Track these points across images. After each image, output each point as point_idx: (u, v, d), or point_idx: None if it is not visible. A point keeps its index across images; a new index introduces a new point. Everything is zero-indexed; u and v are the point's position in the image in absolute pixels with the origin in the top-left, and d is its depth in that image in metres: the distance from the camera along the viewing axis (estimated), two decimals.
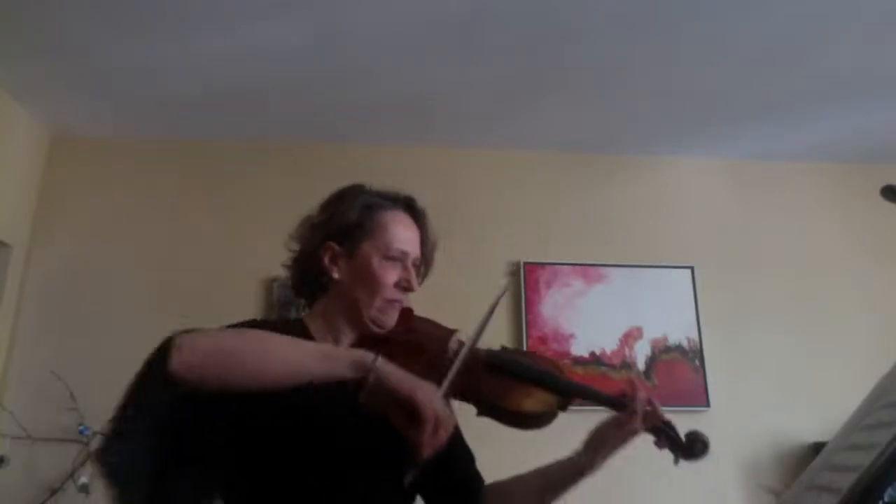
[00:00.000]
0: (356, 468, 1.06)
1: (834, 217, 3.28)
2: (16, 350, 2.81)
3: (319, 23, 2.33)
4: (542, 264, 3.08)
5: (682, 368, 2.97)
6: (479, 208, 3.16)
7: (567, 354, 2.94)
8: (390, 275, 1.14)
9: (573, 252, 3.11)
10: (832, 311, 3.12)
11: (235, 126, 3.08)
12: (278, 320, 2.40)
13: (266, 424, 1.02)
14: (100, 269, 2.94)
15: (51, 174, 3.08)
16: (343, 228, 1.16)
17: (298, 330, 1.12)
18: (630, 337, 3.01)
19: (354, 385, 0.93)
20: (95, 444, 2.63)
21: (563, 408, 1.15)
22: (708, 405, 2.89)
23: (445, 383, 1.00)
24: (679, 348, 3.00)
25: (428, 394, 0.93)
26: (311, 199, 1.25)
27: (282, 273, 1.24)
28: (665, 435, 1.17)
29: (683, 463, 1.17)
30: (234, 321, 1.11)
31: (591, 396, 1.19)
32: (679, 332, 3.02)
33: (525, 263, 3.06)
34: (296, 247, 1.21)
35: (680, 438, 1.17)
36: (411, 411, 0.91)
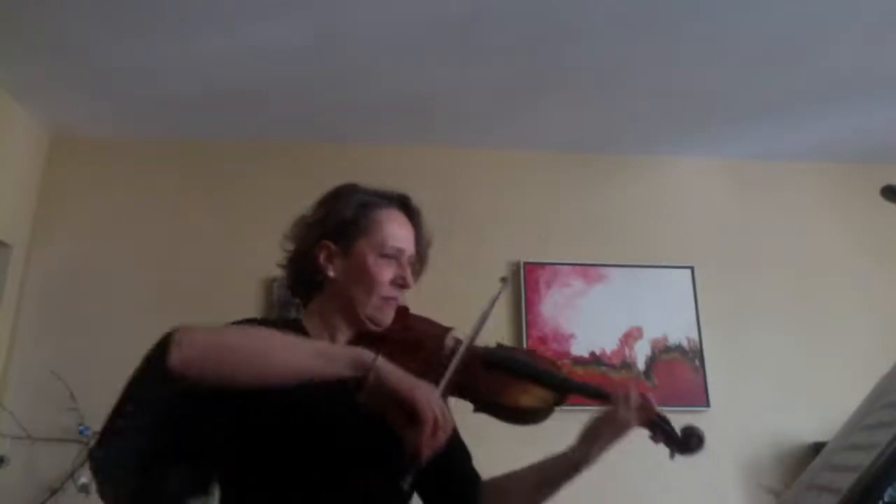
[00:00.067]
0: (355, 466, 1.06)
1: (834, 217, 3.28)
2: (16, 350, 2.81)
3: (319, 23, 2.33)
4: (542, 264, 3.07)
5: (682, 368, 2.97)
6: (479, 208, 3.16)
7: (567, 354, 2.94)
8: (386, 272, 1.14)
9: (573, 252, 3.11)
10: (832, 311, 3.12)
11: (235, 126, 3.08)
12: (277, 319, 2.40)
13: (266, 422, 1.02)
14: (100, 269, 2.94)
15: (51, 174, 3.08)
16: (338, 226, 1.16)
17: (296, 329, 1.12)
18: (630, 337, 3.01)
19: (354, 384, 0.93)
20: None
21: (560, 403, 1.16)
22: (708, 405, 2.89)
23: (443, 381, 1.00)
24: (679, 348, 3.00)
25: (428, 394, 0.93)
26: (310, 199, 1.25)
27: (282, 273, 1.25)
28: (660, 429, 1.17)
29: (679, 458, 1.17)
30: (234, 321, 1.11)
31: (586, 392, 1.20)
32: (679, 332, 3.02)
33: (525, 263, 3.06)
34: (291, 246, 1.21)
35: (675, 433, 1.17)
36: (410, 411, 0.91)
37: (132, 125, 3.07)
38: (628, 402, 1.15)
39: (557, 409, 1.16)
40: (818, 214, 3.29)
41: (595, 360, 2.96)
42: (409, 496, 1.17)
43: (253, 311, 2.83)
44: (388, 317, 1.16)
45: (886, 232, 3.20)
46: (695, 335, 3.02)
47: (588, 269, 3.09)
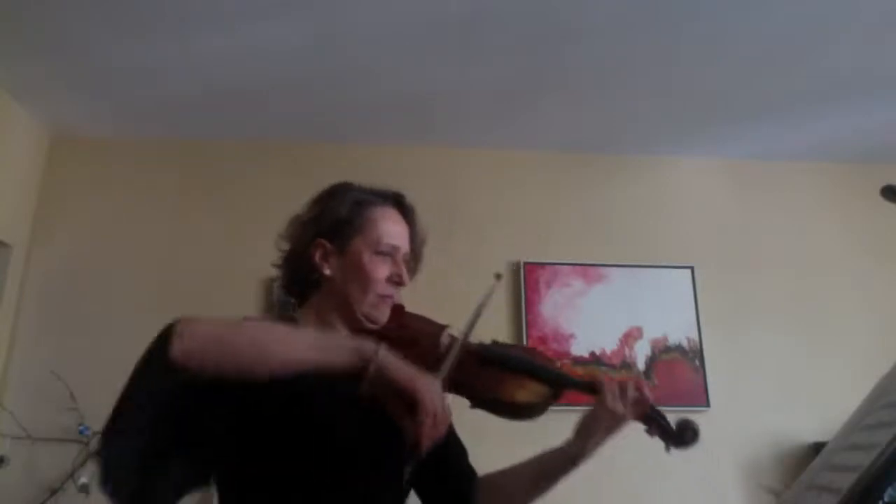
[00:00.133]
0: (354, 461, 1.07)
1: (834, 217, 3.28)
2: (16, 350, 2.81)
3: (319, 23, 2.33)
4: (542, 264, 3.07)
5: (682, 368, 2.97)
6: (479, 208, 3.16)
7: (567, 354, 2.94)
8: (381, 270, 1.15)
9: (573, 252, 3.11)
10: (832, 311, 3.12)
11: (235, 126, 3.08)
12: (275, 317, 2.40)
13: (267, 413, 1.02)
14: (100, 269, 2.94)
15: (51, 174, 3.08)
16: (333, 225, 1.17)
17: None
18: (630, 337, 3.01)
19: (355, 374, 0.93)
20: (95, 444, 2.64)
21: (556, 398, 1.17)
22: (708, 405, 2.89)
23: (440, 377, 1.01)
24: (679, 348, 3.00)
25: (428, 385, 0.94)
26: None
27: (277, 273, 1.25)
28: (655, 423, 1.18)
29: (675, 451, 1.18)
30: None
31: (581, 386, 1.20)
32: (679, 332, 3.02)
33: (525, 263, 3.06)
34: (286, 246, 1.22)
35: (670, 426, 1.18)
36: (411, 402, 0.92)
37: (132, 125, 3.07)
38: (624, 396, 1.15)
39: (554, 403, 1.17)
40: (818, 214, 3.29)
41: (595, 360, 2.96)
42: (407, 492, 1.17)
43: (253, 310, 2.83)
44: (384, 315, 1.16)
45: (886, 232, 3.20)
46: (695, 335, 3.02)
47: (588, 269, 3.09)
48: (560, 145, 3.25)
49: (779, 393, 2.96)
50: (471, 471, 1.27)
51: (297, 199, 1.29)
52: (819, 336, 3.07)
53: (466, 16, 2.29)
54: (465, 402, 1.14)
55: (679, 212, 3.26)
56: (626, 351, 2.99)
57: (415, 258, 1.24)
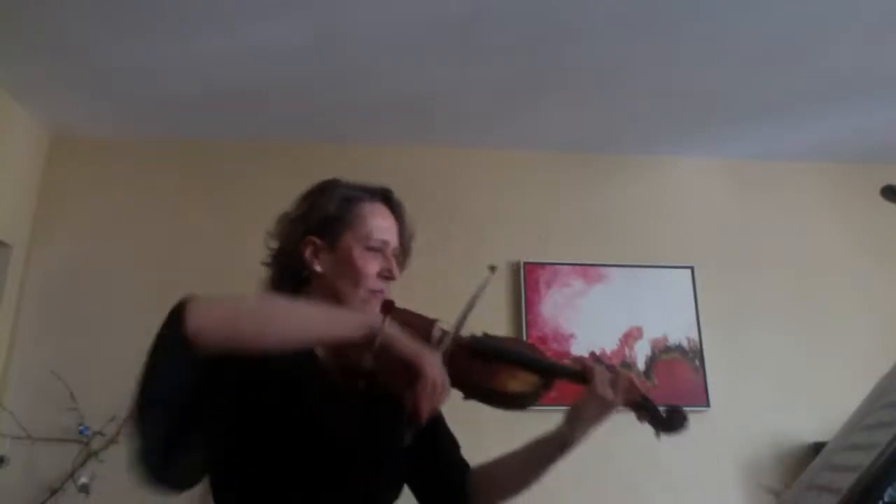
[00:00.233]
0: (355, 461, 1.07)
1: (834, 217, 3.28)
2: (16, 350, 2.81)
3: (319, 23, 2.33)
4: (542, 264, 3.07)
5: (682, 368, 2.97)
6: (479, 208, 3.16)
7: (567, 354, 2.94)
8: (372, 265, 1.16)
9: (573, 252, 3.11)
10: (832, 311, 3.12)
11: (235, 126, 3.08)
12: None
13: (267, 401, 1.02)
14: (100, 269, 2.94)
15: (51, 174, 3.07)
16: (323, 221, 1.18)
17: None
18: (630, 337, 3.01)
19: (362, 346, 0.96)
20: (95, 444, 2.64)
21: (547, 387, 1.19)
22: (708, 405, 2.89)
23: None
24: (679, 348, 3.00)
25: (431, 356, 0.97)
26: None
27: (266, 271, 1.26)
28: (645, 410, 1.19)
29: (665, 437, 1.19)
30: None
31: (572, 374, 1.21)
32: (679, 332, 3.03)
33: (525, 263, 3.06)
34: (275, 244, 1.22)
35: (659, 413, 1.20)
36: (414, 372, 0.94)
37: (132, 125, 3.07)
38: (614, 383, 1.17)
39: (546, 392, 1.18)
40: (818, 214, 3.29)
41: (595, 360, 2.96)
42: (401, 488, 1.17)
43: None
44: (374, 309, 1.17)
45: (886, 232, 3.20)
46: (695, 335, 3.02)
47: (588, 269, 3.09)
48: (560, 145, 3.25)
49: (779, 393, 2.96)
50: (463, 463, 1.28)
51: None
52: (819, 336, 3.07)
53: (466, 16, 2.29)
54: (458, 395, 1.14)
55: (679, 212, 3.26)
56: (626, 351, 2.99)
57: (404, 253, 1.25)
